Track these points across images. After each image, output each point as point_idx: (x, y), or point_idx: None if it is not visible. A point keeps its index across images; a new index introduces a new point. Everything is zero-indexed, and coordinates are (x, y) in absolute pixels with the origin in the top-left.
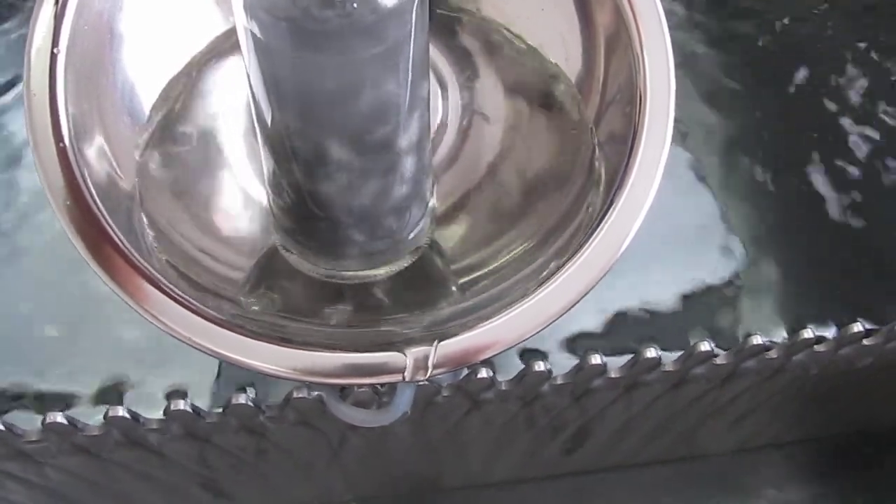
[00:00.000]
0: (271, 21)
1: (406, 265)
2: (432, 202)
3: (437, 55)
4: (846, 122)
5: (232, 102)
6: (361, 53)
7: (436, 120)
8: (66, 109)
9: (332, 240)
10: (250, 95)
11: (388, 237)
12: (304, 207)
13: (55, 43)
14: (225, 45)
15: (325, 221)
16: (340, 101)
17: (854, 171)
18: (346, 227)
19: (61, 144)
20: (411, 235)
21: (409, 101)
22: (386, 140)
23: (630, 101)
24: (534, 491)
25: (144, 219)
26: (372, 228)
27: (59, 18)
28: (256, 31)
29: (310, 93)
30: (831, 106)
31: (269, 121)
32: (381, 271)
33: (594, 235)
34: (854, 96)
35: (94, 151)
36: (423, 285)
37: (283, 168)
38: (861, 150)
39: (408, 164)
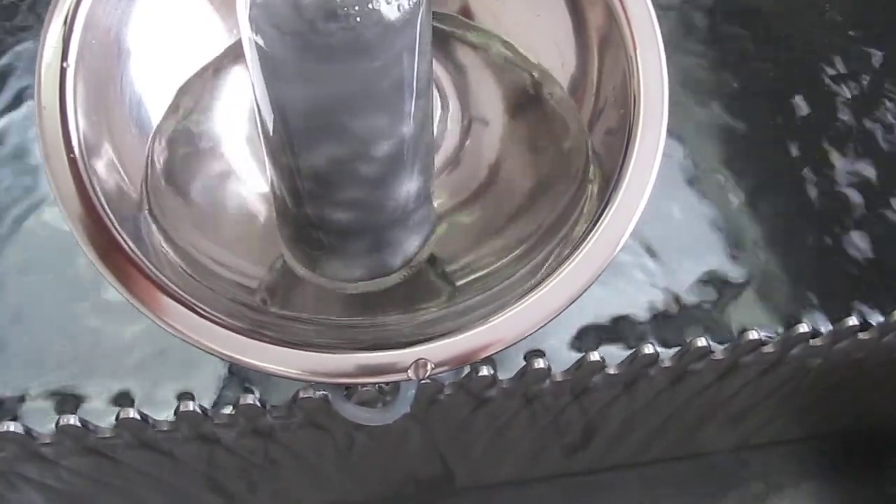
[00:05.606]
0: (276, 34)
1: (407, 274)
2: (434, 213)
3: (434, 63)
4: (846, 116)
5: (235, 113)
6: (366, 66)
7: (434, 124)
8: (76, 122)
9: (334, 250)
10: (255, 108)
11: (391, 247)
12: (306, 218)
13: (65, 58)
14: (228, 59)
15: (326, 232)
16: (345, 113)
17: (847, 171)
18: (349, 239)
19: (72, 156)
20: (414, 246)
21: (414, 115)
22: (390, 153)
23: (624, 102)
24: (541, 489)
25: (154, 227)
26: (375, 239)
27: (68, 34)
28: (262, 43)
29: (315, 105)
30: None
31: (273, 132)
32: (385, 281)
33: (591, 234)
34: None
35: (104, 162)
36: (423, 287)
37: (286, 179)
38: (859, 150)
39: (412, 175)
